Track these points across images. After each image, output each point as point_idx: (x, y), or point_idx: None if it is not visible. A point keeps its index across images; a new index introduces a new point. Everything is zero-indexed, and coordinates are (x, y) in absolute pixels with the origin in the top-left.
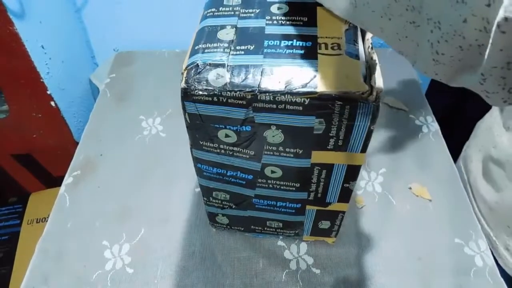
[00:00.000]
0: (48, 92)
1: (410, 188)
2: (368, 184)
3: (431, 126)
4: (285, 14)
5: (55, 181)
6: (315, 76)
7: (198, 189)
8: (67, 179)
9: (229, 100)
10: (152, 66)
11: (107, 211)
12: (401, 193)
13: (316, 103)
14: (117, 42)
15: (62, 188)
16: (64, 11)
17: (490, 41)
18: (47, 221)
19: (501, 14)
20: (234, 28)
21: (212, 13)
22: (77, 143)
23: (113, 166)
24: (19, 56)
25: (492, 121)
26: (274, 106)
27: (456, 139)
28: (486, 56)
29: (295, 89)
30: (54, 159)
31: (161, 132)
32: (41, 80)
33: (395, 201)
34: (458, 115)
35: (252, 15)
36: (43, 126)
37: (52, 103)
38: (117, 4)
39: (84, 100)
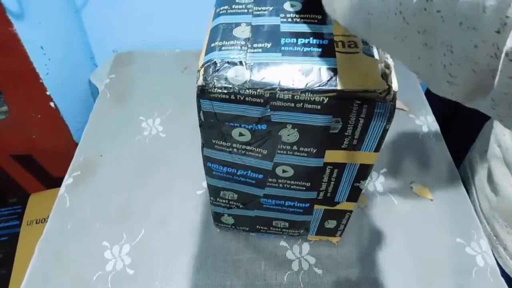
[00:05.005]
0: (48, 93)
1: (412, 188)
2: (370, 184)
3: (431, 126)
4: (298, 12)
5: (55, 182)
6: (335, 74)
7: (199, 190)
8: (67, 180)
9: (247, 98)
10: (152, 66)
11: (107, 212)
12: (402, 192)
13: (334, 102)
14: (117, 43)
15: (62, 188)
16: (63, 12)
17: (499, 68)
18: (46, 221)
19: (509, 43)
20: (249, 26)
21: (225, 11)
22: (77, 144)
23: (113, 167)
24: (18, 57)
25: (495, 120)
26: (292, 105)
27: (457, 138)
28: (496, 83)
29: (316, 87)
30: (53, 160)
31: (161, 132)
32: (41, 80)
33: (396, 201)
34: (458, 115)
35: (266, 12)
36: (43, 126)
37: (52, 104)
38: (117, 4)
39: (84, 100)
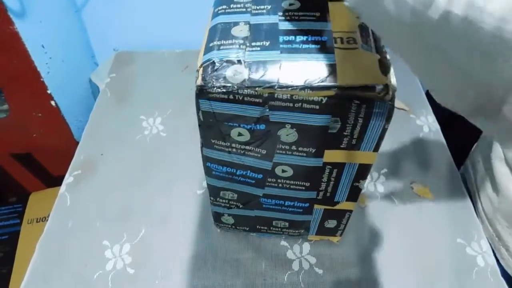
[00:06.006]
0: (48, 92)
1: (412, 188)
2: (370, 183)
3: (432, 126)
4: (297, 10)
5: (55, 181)
6: (333, 70)
7: (199, 189)
8: (68, 179)
9: (245, 98)
10: (152, 66)
11: (108, 211)
12: (403, 192)
13: (332, 102)
14: (117, 42)
15: (63, 187)
16: (64, 11)
17: (509, 99)
18: (47, 220)
19: None
20: (248, 25)
21: (223, 10)
22: (77, 143)
23: (113, 166)
24: (19, 55)
25: None
26: (291, 104)
27: (457, 139)
28: (503, 110)
29: (315, 83)
30: (54, 159)
31: (162, 132)
32: (41, 79)
33: (397, 200)
34: (459, 115)
35: (264, 11)
36: (43, 125)
37: (52, 103)
38: (117, 4)
39: (84, 99)
